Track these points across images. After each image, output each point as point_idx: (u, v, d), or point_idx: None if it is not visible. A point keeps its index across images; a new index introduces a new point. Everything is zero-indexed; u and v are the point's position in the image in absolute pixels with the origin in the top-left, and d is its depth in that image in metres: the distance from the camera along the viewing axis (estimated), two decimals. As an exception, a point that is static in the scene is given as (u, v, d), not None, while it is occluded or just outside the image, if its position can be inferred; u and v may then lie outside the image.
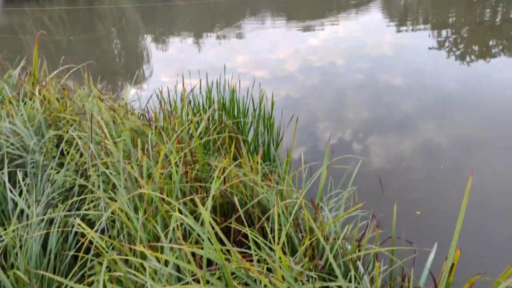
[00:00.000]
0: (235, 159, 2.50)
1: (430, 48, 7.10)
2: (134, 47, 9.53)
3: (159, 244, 1.20)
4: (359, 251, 1.69)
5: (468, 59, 6.41)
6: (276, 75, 6.29)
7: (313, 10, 12.80)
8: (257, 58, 7.45)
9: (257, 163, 2.13)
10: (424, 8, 12.07)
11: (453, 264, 1.44)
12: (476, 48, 7.03)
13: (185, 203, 1.71)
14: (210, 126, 3.11)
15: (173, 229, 1.33)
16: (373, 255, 1.84)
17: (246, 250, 1.24)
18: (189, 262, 1.20)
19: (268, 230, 1.58)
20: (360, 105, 4.85)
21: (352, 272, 1.26)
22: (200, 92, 3.49)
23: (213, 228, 1.13)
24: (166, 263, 1.28)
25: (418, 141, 3.86)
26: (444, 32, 8.28)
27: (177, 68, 3.82)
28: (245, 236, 1.63)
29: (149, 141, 1.72)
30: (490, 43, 7.29)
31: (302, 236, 1.84)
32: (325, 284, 1.33)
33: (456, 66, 6.09)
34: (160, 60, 8.03)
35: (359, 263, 1.79)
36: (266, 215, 1.63)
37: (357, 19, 10.43)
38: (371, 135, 4.06)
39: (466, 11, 10.42)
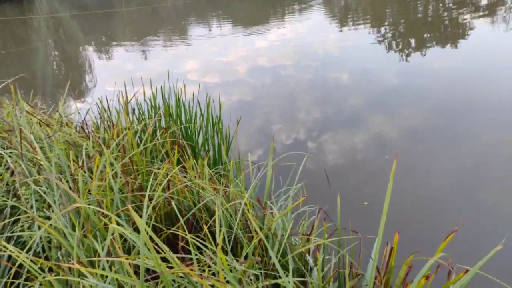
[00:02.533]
0: (183, 166, 2.46)
1: (371, 44, 7.45)
2: (75, 58, 9.10)
3: (96, 258, 1.15)
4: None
5: (405, 52, 6.80)
6: (227, 80, 6.30)
7: (258, 15, 12.95)
8: (207, 63, 7.41)
9: (203, 167, 2.11)
10: (362, 7, 12.64)
11: (392, 248, 1.52)
12: (412, 42, 7.47)
13: (128, 215, 1.66)
14: (158, 134, 3.05)
15: (112, 243, 1.28)
16: (323, 248, 1.88)
17: (188, 256, 1.22)
18: (129, 274, 1.16)
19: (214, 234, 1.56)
20: (310, 104, 4.98)
21: (290, 266, 1.28)
22: (144, 99, 3.41)
23: (150, 237, 1.10)
24: (107, 278, 1.23)
25: (364, 135, 4.02)
26: (382, 29, 8.72)
27: (123, 77, 3.69)
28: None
29: (83, 153, 1.65)
30: (425, 36, 7.78)
31: (253, 236, 1.85)
32: (273, 281, 1.35)
33: (396, 60, 6.43)
34: (104, 70, 7.74)
35: (309, 257, 1.83)
36: (213, 218, 1.62)
37: (302, 22, 10.69)
38: (321, 132, 4.18)
39: (400, 9, 11.05)
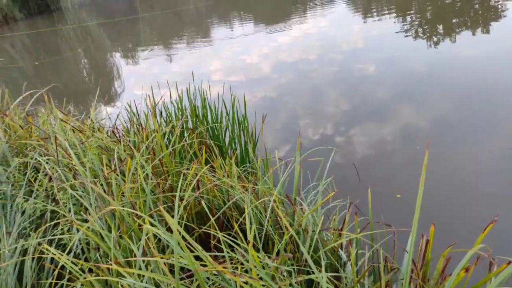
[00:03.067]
0: (211, 165, 2.49)
1: (397, 33, 7.24)
2: (103, 65, 9.40)
3: (132, 258, 1.19)
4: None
5: (433, 40, 6.57)
6: (251, 78, 6.31)
7: (280, 12, 12.88)
8: (231, 63, 7.45)
9: (231, 165, 2.13)
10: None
11: (428, 240, 1.47)
12: (440, 28, 7.20)
13: (161, 216, 1.70)
14: (185, 135, 3.10)
15: (146, 243, 1.32)
16: (356, 242, 1.86)
17: (220, 254, 1.24)
18: (165, 273, 1.19)
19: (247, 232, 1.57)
20: (336, 97, 4.91)
21: (323, 261, 1.26)
22: (171, 102, 3.47)
23: (183, 236, 1.12)
24: (143, 277, 1.26)
25: (394, 126, 3.92)
26: (408, 17, 8.45)
27: (149, 81, 3.79)
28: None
29: (115, 157, 1.70)
30: (453, 22, 7.48)
31: (284, 232, 1.84)
32: (306, 277, 1.34)
33: (423, 48, 6.22)
34: (131, 75, 7.94)
35: (341, 252, 1.81)
36: (243, 216, 1.63)
37: (324, 16, 10.53)
38: (349, 126, 4.11)
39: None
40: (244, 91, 3.93)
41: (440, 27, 7.26)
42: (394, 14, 9.04)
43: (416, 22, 7.88)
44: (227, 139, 3.44)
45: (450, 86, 4.56)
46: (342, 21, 9.39)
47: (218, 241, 1.51)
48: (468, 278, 1.34)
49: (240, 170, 2.66)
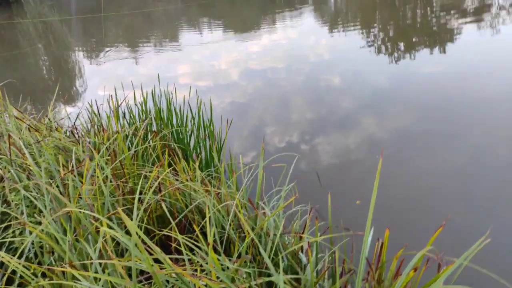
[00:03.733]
0: (175, 169, 2.47)
1: (361, 47, 7.52)
2: (64, 63, 9.05)
3: (88, 261, 1.15)
4: (300, 243, 1.74)
5: (395, 56, 6.88)
6: (219, 84, 6.31)
7: (249, 20, 12.99)
8: (199, 68, 7.41)
9: (195, 169, 2.12)
10: (352, 12, 12.77)
11: (382, 243, 1.54)
12: (401, 45, 7.56)
13: (120, 219, 1.66)
14: (149, 137, 3.05)
15: (103, 246, 1.28)
16: (316, 246, 1.90)
17: (181, 257, 1.23)
18: (122, 276, 1.16)
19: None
20: (302, 106, 5.00)
21: (281, 263, 1.29)
22: (135, 104, 3.40)
23: (142, 239, 1.10)
24: (99, 281, 1.23)
25: (357, 136, 4.06)
26: (372, 33, 8.80)
27: (113, 82, 3.67)
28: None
29: (73, 158, 1.64)
30: (413, 40, 7.87)
31: (246, 236, 1.85)
32: (266, 279, 1.36)
33: (385, 63, 6.49)
34: (94, 75, 7.70)
35: (302, 255, 1.84)
36: (204, 220, 1.63)
37: (293, 27, 10.72)
38: (314, 134, 4.20)
39: (389, 14, 11.18)
40: (211, 96, 3.92)
41: (401, 44, 7.62)
42: (359, 29, 9.38)
43: (379, 38, 8.22)
44: (192, 144, 3.42)
45: (410, 100, 4.78)
46: (310, 33, 9.62)
47: (179, 244, 1.50)
48: (419, 279, 1.42)
49: (204, 174, 2.65)
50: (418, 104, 4.61)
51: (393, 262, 1.43)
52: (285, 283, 1.41)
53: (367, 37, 8.39)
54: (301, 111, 4.84)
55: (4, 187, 1.71)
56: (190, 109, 3.40)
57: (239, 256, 1.59)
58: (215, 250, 1.61)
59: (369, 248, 1.91)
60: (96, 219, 1.44)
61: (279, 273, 1.32)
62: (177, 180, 2.04)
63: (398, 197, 2.98)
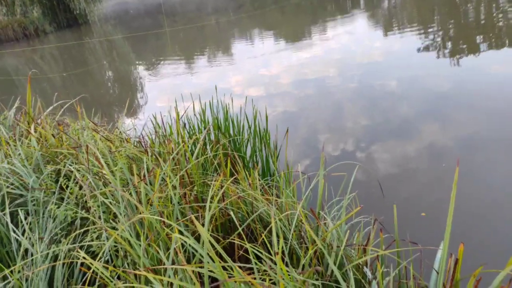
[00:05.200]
0: (235, 178, 2.52)
1: (418, 49, 7.20)
2: (127, 78, 9.67)
3: (162, 266, 1.21)
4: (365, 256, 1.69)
5: (456, 57, 6.49)
6: (271, 92, 6.37)
7: (300, 27, 12.99)
8: (252, 78, 7.55)
9: (254, 178, 2.15)
10: (407, 12, 12.29)
11: (457, 259, 1.45)
12: (463, 45, 7.12)
13: (186, 225, 1.72)
14: (208, 147, 3.15)
15: (175, 251, 1.34)
16: (381, 259, 1.83)
17: (249, 265, 1.25)
18: (193, 283, 1.20)
19: (270, 244, 1.58)
20: (356, 113, 4.89)
21: (349, 276, 1.25)
22: (194, 114, 3.54)
23: (213, 245, 1.14)
24: (172, 286, 1.28)
25: (417, 144, 3.87)
26: (430, 34, 8.40)
27: (172, 93, 3.87)
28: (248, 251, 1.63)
29: (145, 167, 1.74)
30: (476, 39, 7.39)
31: (307, 247, 1.84)
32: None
33: (446, 65, 6.15)
34: (154, 87, 8.13)
35: (366, 269, 1.78)
36: (268, 228, 1.64)
37: (345, 31, 10.57)
38: (370, 142, 4.08)
39: (448, 12, 10.60)
40: (265, 105, 3.96)
41: (463, 44, 7.18)
42: (416, 30, 8.99)
43: (438, 39, 7.82)
44: (248, 152, 3.47)
45: (474, 104, 4.48)
46: (362, 37, 9.40)
47: (244, 252, 1.52)
48: (500, 300, 1.31)
49: (264, 183, 2.68)
50: (485, 109, 4.30)
51: (470, 280, 1.34)
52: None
53: (424, 38, 8.01)
54: (356, 120, 4.72)
55: (83, 194, 1.86)
56: (247, 118, 3.46)
57: (302, 267, 1.58)
58: (282, 261, 1.61)
59: (439, 263, 1.81)
60: (167, 225, 1.51)
61: (348, 286, 1.29)
62: (238, 188, 2.08)
63: (468, 211, 2.79)
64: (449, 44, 7.35)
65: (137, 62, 11.31)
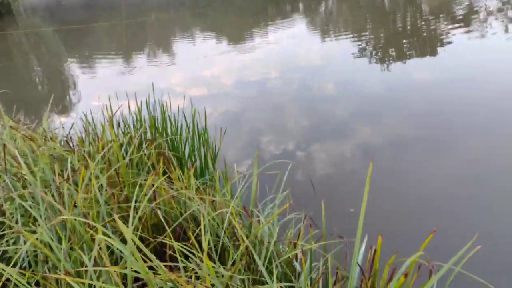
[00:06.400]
0: (169, 177, 2.48)
1: (353, 54, 7.62)
2: (58, 74, 9.04)
3: (83, 269, 1.16)
4: (295, 251, 1.76)
5: (387, 63, 6.98)
6: (213, 93, 6.35)
7: (242, 28, 13.11)
8: (193, 78, 7.45)
9: (190, 178, 2.13)
10: (343, 19, 12.95)
11: (375, 251, 1.56)
12: (393, 52, 7.67)
13: (114, 227, 1.66)
14: (144, 146, 3.06)
15: (99, 254, 1.29)
16: (311, 253, 1.91)
17: (175, 264, 1.24)
18: (117, 284, 1.17)
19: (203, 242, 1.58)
20: (296, 115, 5.05)
21: (275, 271, 1.30)
22: (130, 113, 3.42)
23: (137, 246, 1.12)
24: (94, 289, 1.23)
25: (350, 144, 4.09)
26: (363, 41, 8.93)
27: (108, 92, 3.68)
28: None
29: (69, 166, 1.65)
30: (404, 46, 8.00)
31: (240, 244, 1.87)
32: (261, 287, 1.37)
33: (377, 70, 6.58)
34: (88, 85, 7.70)
35: (296, 263, 1.86)
36: (199, 228, 1.64)
37: (285, 35, 10.83)
38: (308, 142, 4.23)
39: (380, 21, 11.36)
40: (206, 105, 3.93)
41: (393, 51, 7.74)
42: (351, 37, 9.50)
43: (371, 46, 8.35)
44: (187, 152, 3.43)
45: (402, 107, 4.85)
46: (302, 41, 9.73)
47: (174, 252, 1.50)
48: (411, 285, 1.44)
49: (199, 182, 2.66)
50: (410, 112, 4.67)
51: (385, 269, 1.45)
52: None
53: (358, 44, 8.51)
54: (296, 120, 4.88)
55: (-1, 196, 1.71)
56: (185, 118, 3.42)
57: (233, 264, 1.60)
58: (210, 258, 1.62)
59: (363, 256, 1.94)
60: (91, 227, 1.45)
61: (273, 280, 1.33)
62: (172, 188, 2.05)
63: (392, 206, 3.01)
64: (379, 50, 7.88)
65: (69, 58, 10.62)
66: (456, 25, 8.90)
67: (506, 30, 8.00)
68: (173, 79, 7.46)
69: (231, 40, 10.83)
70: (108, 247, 1.55)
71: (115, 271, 1.07)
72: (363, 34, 9.66)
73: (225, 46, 10.00)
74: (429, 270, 1.47)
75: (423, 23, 9.94)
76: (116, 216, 1.03)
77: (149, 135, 3.33)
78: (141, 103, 3.43)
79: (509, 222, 2.68)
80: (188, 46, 10.58)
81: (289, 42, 9.59)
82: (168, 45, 11.43)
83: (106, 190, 1.72)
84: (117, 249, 1.39)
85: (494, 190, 3.01)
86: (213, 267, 1.27)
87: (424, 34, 8.82)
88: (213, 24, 14.40)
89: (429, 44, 7.95)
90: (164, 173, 2.59)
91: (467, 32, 8.15)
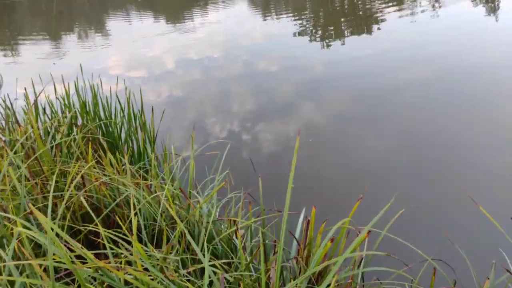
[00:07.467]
0: (99, 162, 2.36)
1: (294, 33, 7.71)
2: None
3: (1, 264, 1.07)
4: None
5: (326, 41, 7.15)
6: (154, 74, 6.10)
7: (181, 7, 12.65)
8: (131, 57, 7.09)
9: (124, 163, 2.05)
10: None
11: (309, 221, 1.63)
12: (331, 31, 7.87)
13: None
14: (74, 132, 2.87)
15: (20, 247, 1.20)
16: (250, 230, 1.95)
17: (104, 251, 1.20)
18: (40, 277, 1.10)
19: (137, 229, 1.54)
20: (240, 94, 5.02)
21: (206, 250, 1.31)
22: (57, 98, 3.18)
23: (61, 235, 1.05)
24: (14, 285, 1.15)
25: (295, 121, 4.17)
26: (304, 19, 9.05)
27: (36, 77, 3.37)
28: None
29: (-20, 157, 1.51)
30: (342, 25, 8.24)
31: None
32: (199, 266, 1.37)
33: (318, 48, 6.72)
34: (12, 71, 7.03)
35: (236, 240, 1.88)
36: (133, 212, 1.59)
37: (226, 14, 10.66)
38: (252, 121, 4.24)
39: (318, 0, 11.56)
40: (147, 87, 3.77)
41: (332, 29, 7.94)
42: (292, 16, 9.59)
43: (311, 24, 8.49)
44: (124, 137, 3.29)
45: (341, 83, 5.02)
46: (244, 20, 9.64)
47: (108, 240, 1.45)
48: (341, 249, 1.53)
49: (137, 167, 2.57)
50: (349, 87, 4.86)
51: (317, 237, 1.52)
52: (216, 267, 1.43)
53: (299, 24, 8.62)
54: (239, 100, 4.86)
55: None
56: (119, 101, 3.26)
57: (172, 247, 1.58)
58: (142, 241, 1.58)
59: (300, 228, 2.01)
60: (11, 221, 1.34)
61: (210, 259, 1.34)
62: (105, 175, 1.96)
63: (328, 179, 3.14)
64: (319, 29, 8.05)
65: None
66: (390, 3, 9.33)
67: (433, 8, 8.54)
68: (109, 61, 7.05)
69: (170, 20, 10.43)
70: (34, 242, 1.45)
71: (34, 261, 1.01)
72: (303, 13, 9.79)
73: (164, 26, 9.61)
74: (356, 235, 1.56)
75: (359, 1, 10.29)
76: (31, 206, 0.96)
77: (80, 121, 3.14)
78: (68, 86, 3.20)
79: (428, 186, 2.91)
80: (124, 26, 10.03)
81: (231, 21, 9.46)
82: (101, 24, 10.74)
83: (28, 180, 1.60)
84: (38, 240, 1.31)
85: (422, 161, 3.25)
86: (146, 251, 1.25)
87: (360, 13, 9.15)
88: (149, 2, 13.74)
89: (364, 22, 8.27)
90: (99, 161, 2.47)
91: (399, 10, 8.59)
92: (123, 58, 7.14)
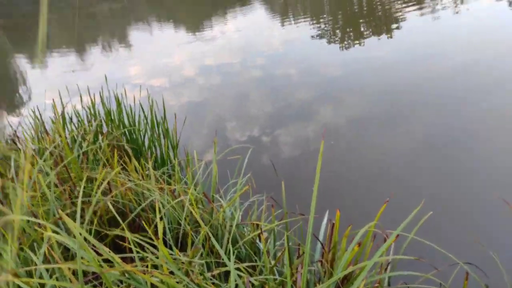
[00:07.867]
0: (124, 168, 2.41)
1: (312, 37, 7.68)
2: (4, 70, 8.51)
3: (32, 267, 1.11)
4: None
5: (345, 44, 7.09)
6: (175, 82, 6.20)
7: (200, 16, 12.84)
8: (153, 67, 7.24)
9: (148, 168, 2.08)
10: (301, 3, 12.98)
11: (333, 224, 1.60)
12: (351, 33, 7.80)
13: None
14: (100, 140, 2.95)
15: (50, 251, 1.24)
16: (273, 233, 1.94)
17: (131, 255, 1.21)
18: (70, 280, 1.13)
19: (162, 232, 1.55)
20: (260, 101, 5.04)
21: (232, 252, 1.30)
22: (83, 107, 3.28)
23: (89, 240, 1.08)
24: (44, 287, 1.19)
25: (313, 126, 4.14)
26: (322, 23, 9.01)
27: (63, 88, 3.50)
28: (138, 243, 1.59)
29: (12, 165, 1.57)
30: (361, 27, 8.15)
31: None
32: (223, 269, 1.37)
33: (337, 51, 6.67)
34: (40, 82, 7.30)
35: (260, 243, 1.88)
36: (158, 216, 1.61)
37: (244, 21, 10.73)
38: (272, 126, 4.23)
39: (337, 3, 11.49)
40: (167, 95, 3.84)
41: (351, 32, 7.87)
42: (309, 20, 9.56)
43: (329, 28, 8.44)
44: (147, 143, 3.35)
45: (361, 86, 4.95)
46: (262, 26, 9.68)
47: (135, 245, 1.47)
48: (367, 252, 1.50)
49: (160, 172, 2.61)
50: (368, 90, 4.79)
51: (342, 241, 1.49)
52: (241, 270, 1.43)
53: (317, 27, 8.59)
54: (260, 105, 4.88)
55: None
56: (142, 109, 3.33)
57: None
58: (167, 245, 1.60)
59: (324, 231, 1.99)
60: (41, 226, 1.38)
61: (235, 262, 1.33)
62: (130, 180, 1.99)
63: (352, 181, 3.09)
64: (338, 32, 7.98)
65: (16, 53, 10.01)
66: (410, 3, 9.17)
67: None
68: (131, 70, 7.22)
69: (190, 30, 10.60)
70: (63, 246, 1.49)
71: (64, 265, 1.03)
72: (321, 17, 9.75)
73: (185, 36, 9.78)
74: (384, 239, 1.53)
75: (379, 2, 10.16)
76: (61, 212, 0.99)
77: (105, 129, 3.22)
78: (94, 96, 3.30)
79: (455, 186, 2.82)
80: (145, 35, 10.26)
81: (250, 29, 9.52)
82: (124, 36, 11.03)
83: (57, 186, 1.64)
84: (68, 244, 1.34)
85: (447, 161, 3.16)
86: (171, 254, 1.26)
87: (380, 13, 9.02)
88: (169, 12, 14.02)
89: (384, 23, 8.15)
90: (124, 167, 2.52)
91: (420, 9, 8.42)
92: (145, 68, 7.30)
